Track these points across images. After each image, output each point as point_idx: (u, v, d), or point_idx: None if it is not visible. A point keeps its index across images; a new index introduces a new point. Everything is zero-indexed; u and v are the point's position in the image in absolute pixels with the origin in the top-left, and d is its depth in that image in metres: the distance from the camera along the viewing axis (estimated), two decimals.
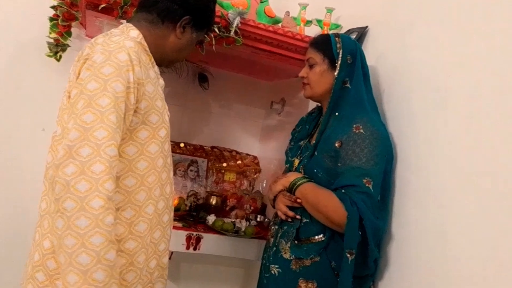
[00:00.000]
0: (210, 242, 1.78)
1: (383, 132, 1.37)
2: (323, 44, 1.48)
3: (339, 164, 1.34)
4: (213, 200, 2.02)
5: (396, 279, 1.32)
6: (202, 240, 1.75)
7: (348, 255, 1.25)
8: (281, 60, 1.82)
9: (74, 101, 1.05)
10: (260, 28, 1.67)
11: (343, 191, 1.30)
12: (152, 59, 1.23)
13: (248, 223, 1.93)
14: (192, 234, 1.75)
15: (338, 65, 1.43)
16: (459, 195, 1.13)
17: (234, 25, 1.61)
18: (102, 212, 0.98)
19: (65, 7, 1.62)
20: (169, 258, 2.05)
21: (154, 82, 1.18)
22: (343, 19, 1.95)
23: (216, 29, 1.60)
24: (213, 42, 1.61)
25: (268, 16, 1.76)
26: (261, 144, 2.45)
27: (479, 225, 1.05)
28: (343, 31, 1.91)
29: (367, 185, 1.28)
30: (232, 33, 1.62)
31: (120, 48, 1.07)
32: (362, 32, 1.76)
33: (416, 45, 1.43)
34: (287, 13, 1.84)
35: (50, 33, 1.71)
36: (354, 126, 1.35)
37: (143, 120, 1.13)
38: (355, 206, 1.26)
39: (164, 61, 1.31)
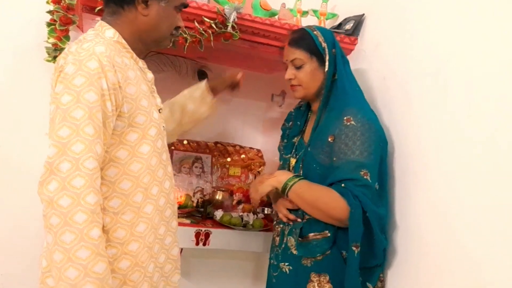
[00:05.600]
0: (219, 237, 1.79)
1: (373, 121, 1.36)
2: (306, 41, 1.43)
3: (334, 159, 1.32)
4: (220, 195, 2.03)
5: (404, 267, 1.32)
6: (211, 235, 1.77)
7: (354, 248, 1.25)
8: (279, 53, 1.81)
9: (52, 116, 1.05)
10: (257, 21, 1.68)
11: (342, 185, 1.29)
12: (134, 55, 1.20)
13: (255, 216, 1.94)
14: (201, 230, 1.76)
15: (327, 60, 1.41)
16: (461, 180, 1.13)
17: (231, 20, 1.62)
18: (87, 226, 0.98)
19: (62, 12, 1.62)
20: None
21: (136, 82, 1.16)
22: (339, 8, 1.95)
23: (213, 25, 1.61)
24: (211, 38, 1.62)
25: (264, 9, 1.77)
26: (263, 137, 2.45)
27: (482, 207, 1.06)
28: (339, 20, 1.91)
29: (365, 177, 1.27)
30: (229, 28, 1.63)
31: (90, 56, 1.05)
32: (358, 20, 1.76)
33: (414, 31, 1.43)
34: (283, 5, 1.84)
35: (48, 38, 1.71)
36: (345, 118, 1.33)
37: (130, 123, 1.12)
38: (357, 200, 1.25)
39: (150, 45, 1.26)
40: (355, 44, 1.78)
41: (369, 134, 1.30)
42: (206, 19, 1.61)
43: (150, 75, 1.27)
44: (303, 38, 1.44)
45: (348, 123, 1.31)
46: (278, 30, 1.71)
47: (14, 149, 1.92)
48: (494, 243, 1.02)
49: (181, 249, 2.05)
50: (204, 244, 1.76)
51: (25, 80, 1.93)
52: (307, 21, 1.88)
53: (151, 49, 1.29)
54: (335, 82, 1.41)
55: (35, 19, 1.79)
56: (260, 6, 1.77)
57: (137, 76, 1.18)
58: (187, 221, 1.81)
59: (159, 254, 1.23)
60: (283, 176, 1.39)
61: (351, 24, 1.77)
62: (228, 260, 2.31)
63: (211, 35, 1.62)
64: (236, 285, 2.33)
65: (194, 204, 1.99)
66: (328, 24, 1.92)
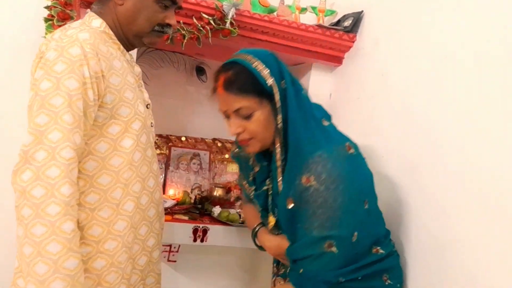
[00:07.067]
0: (216, 234, 1.79)
1: (346, 168, 1.06)
2: (249, 81, 1.09)
3: (298, 225, 1.09)
4: (217, 192, 2.03)
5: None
6: (208, 232, 1.77)
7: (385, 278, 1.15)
8: (277, 49, 1.81)
9: (30, 103, 1.01)
10: (255, 18, 1.68)
11: (301, 270, 1.10)
12: (121, 47, 1.17)
13: None
14: (199, 227, 1.76)
15: (278, 99, 1.08)
16: (467, 180, 1.13)
17: (229, 16, 1.61)
18: (59, 219, 0.93)
19: (60, 7, 1.62)
20: (177, 251, 2.09)
21: (121, 73, 1.10)
22: (338, 5, 1.95)
23: (211, 21, 1.61)
24: (209, 35, 1.62)
25: (263, 5, 1.77)
26: None
27: (482, 210, 1.06)
28: (338, 16, 1.91)
29: (328, 249, 1.05)
30: (227, 24, 1.62)
31: (73, 42, 1.01)
32: (357, 17, 1.75)
33: (412, 28, 1.43)
34: (282, 1, 1.84)
35: (46, 33, 1.71)
36: (304, 177, 1.05)
37: (112, 115, 1.07)
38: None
39: (133, 40, 1.19)
40: (354, 41, 1.78)
41: (335, 195, 1.03)
42: (204, 15, 1.61)
43: (137, 69, 1.23)
44: (246, 79, 1.09)
45: (308, 185, 1.03)
46: (276, 26, 1.71)
47: (13, 146, 1.91)
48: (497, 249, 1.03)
49: (179, 245, 2.07)
50: (202, 241, 1.76)
51: (22, 76, 1.91)
52: (306, 18, 1.88)
53: (136, 44, 1.22)
54: (288, 124, 1.09)
55: (33, 14, 1.79)
56: (259, 2, 1.77)
57: (124, 67, 1.13)
58: (185, 217, 1.81)
59: (140, 255, 1.18)
60: None
61: (350, 21, 1.77)
62: (225, 257, 2.31)
63: (209, 31, 1.62)
64: (233, 281, 2.34)
65: (192, 201, 1.99)
66: (327, 21, 1.92)
